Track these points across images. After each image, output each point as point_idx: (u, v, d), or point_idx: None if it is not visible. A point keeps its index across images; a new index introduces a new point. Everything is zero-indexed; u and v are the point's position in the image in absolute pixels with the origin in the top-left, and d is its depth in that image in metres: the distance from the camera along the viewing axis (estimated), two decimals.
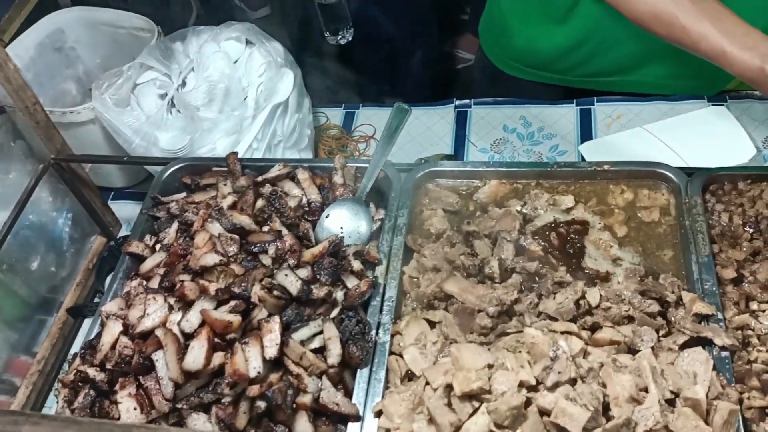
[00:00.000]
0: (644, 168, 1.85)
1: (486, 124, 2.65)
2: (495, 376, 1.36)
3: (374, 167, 1.94)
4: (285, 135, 2.36)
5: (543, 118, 2.59)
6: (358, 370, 1.55)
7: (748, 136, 2.21)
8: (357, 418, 1.47)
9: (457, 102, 2.72)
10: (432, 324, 1.62)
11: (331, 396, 1.47)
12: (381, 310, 1.65)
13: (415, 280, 1.73)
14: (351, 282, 1.67)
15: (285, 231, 1.75)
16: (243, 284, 1.53)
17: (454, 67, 4.44)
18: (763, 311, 1.50)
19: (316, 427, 1.45)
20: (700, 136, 2.23)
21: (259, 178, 1.92)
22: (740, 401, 1.38)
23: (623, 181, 1.87)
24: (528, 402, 1.32)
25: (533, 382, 1.34)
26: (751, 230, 1.66)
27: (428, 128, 2.67)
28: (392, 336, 1.60)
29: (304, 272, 1.61)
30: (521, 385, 1.34)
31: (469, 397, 1.35)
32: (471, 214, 1.88)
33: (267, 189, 1.88)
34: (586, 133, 2.49)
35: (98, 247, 2.23)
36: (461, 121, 2.66)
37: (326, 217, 1.86)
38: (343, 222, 1.85)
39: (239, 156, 2.04)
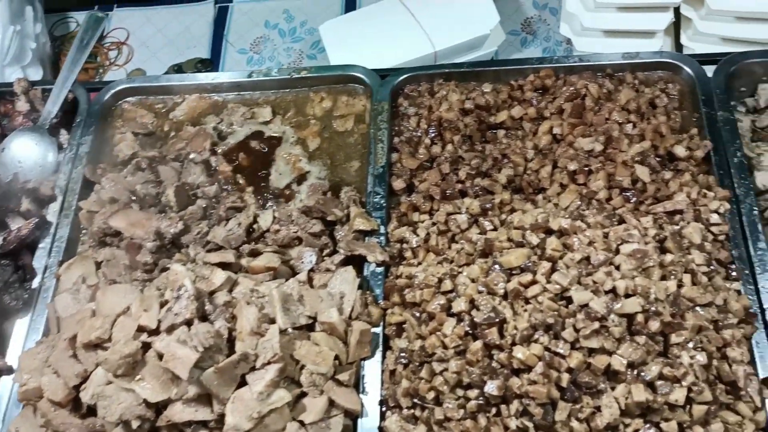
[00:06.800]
0: (341, 73, 1.73)
1: (247, 20, 2.44)
2: (118, 322, 1.30)
3: (60, 89, 1.76)
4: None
5: (307, 11, 2.41)
6: (19, 319, 1.47)
7: (493, 5, 2.06)
8: (8, 371, 1.40)
9: None
10: (100, 264, 1.52)
11: None
12: (50, 253, 1.55)
13: (95, 214, 1.61)
14: (16, 224, 1.55)
15: None
16: None
17: None
18: (422, 222, 1.46)
19: None
20: (449, 5, 2.06)
21: None
22: (384, 318, 1.37)
23: (324, 88, 1.75)
24: (149, 346, 1.27)
25: (154, 326, 1.28)
26: (433, 134, 1.58)
27: (186, 29, 2.44)
28: (58, 280, 1.51)
29: None
30: (141, 330, 1.28)
31: (94, 346, 1.29)
32: (166, 135, 1.75)
33: None
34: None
35: None
36: (221, 19, 2.44)
37: (2, 151, 1.69)
38: (22, 155, 1.69)
39: None
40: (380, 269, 1.43)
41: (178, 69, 2.29)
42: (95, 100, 1.76)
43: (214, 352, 1.25)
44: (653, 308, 1.17)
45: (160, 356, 1.25)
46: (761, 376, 1.25)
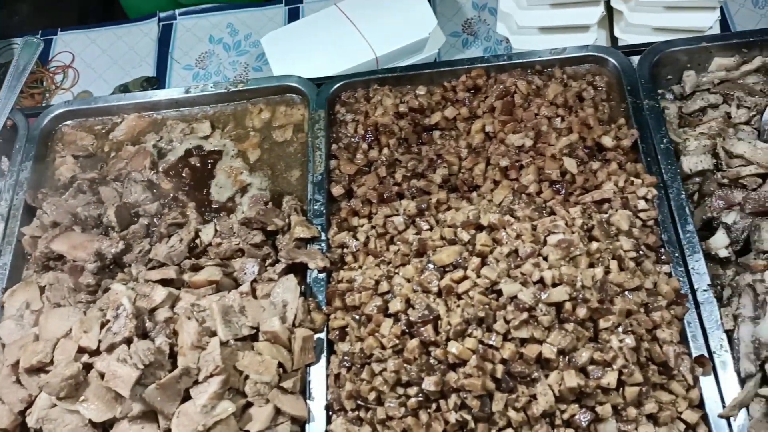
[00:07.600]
0: (278, 83, 1.75)
1: (192, 36, 2.45)
2: (60, 345, 1.30)
3: None
4: None
5: (250, 23, 2.43)
6: None
7: (430, 9, 2.09)
8: None
9: (162, 14, 2.49)
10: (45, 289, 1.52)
11: None
12: None
13: (38, 239, 1.61)
14: None
15: None
16: None
17: None
18: (362, 226, 1.48)
19: None
20: (388, 11, 2.08)
21: None
22: (328, 323, 1.39)
23: (262, 99, 1.76)
24: (91, 367, 1.28)
25: (94, 347, 1.28)
26: (370, 139, 1.61)
27: (131, 48, 2.44)
28: (2, 307, 1.50)
29: None
30: (82, 351, 1.28)
31: (36, 370, 1.30)
32: (106, 155, 1.75)
33: None
34: None
35: None
36: (165, 36, 2.45)
37: None
38: None
39: None
40: (323, 275, 1.45)
41: (124, 89, 2.28)
42: (34, 125, 1.76)
43: (155, 368, 1.26)
44: (580, 295, 1.20)
45: (102, 376, 1.26)
46: (694, 355, 1.29)
